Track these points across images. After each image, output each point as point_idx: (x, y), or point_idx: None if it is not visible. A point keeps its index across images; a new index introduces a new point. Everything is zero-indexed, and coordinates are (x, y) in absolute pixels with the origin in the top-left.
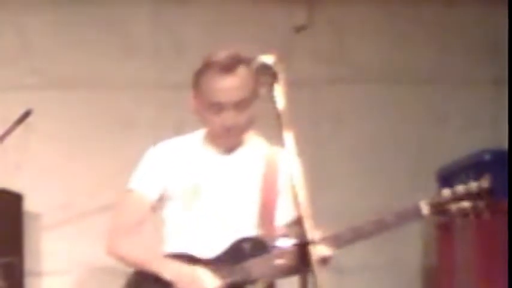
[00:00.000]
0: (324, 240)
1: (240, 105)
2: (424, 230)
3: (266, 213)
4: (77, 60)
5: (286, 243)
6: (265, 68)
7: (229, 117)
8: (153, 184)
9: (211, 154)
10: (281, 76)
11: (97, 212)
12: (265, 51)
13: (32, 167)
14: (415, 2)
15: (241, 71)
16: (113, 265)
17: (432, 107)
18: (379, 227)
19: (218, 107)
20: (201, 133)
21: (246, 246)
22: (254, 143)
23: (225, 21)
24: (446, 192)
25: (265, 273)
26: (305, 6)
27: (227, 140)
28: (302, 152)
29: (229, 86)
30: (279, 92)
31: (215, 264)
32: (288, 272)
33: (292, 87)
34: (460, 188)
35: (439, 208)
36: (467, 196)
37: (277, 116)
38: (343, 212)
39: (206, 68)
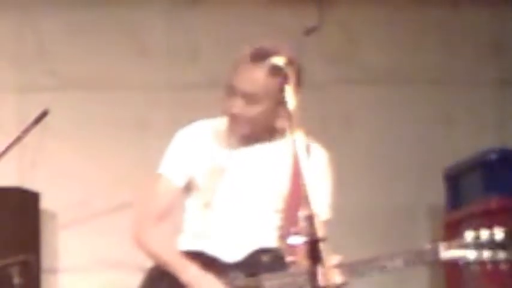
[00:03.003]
0: (339, 267)
1: (250, 97)
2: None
3: (288, 222)
4: (93, 62)
5: (299, 240)
6: (276, 69)
7: (236, 105)
8: (180, 170)
9: (234, 144)
10: (292, 77)
11: (112, 210)
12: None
13: (49, 166)
14: (423, 4)
15: (264, 66)
16: (129, 261)
17: (440, 108)
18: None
19: (231, 91)
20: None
21: (264, 258)
22: (288, 140)
23: (237, 24)
24: (468, 235)
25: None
26: (315, 8)
27: (232, 127)
28: None
29: (247, 75)
30: (290, 93)
31: (231, 271)
32: None
33: (303, 88)
34: (484, 235)
35: (457, 253)
36: (490, 244)
37: (288, 116)
38: (352, 211)
39: (246, 52)
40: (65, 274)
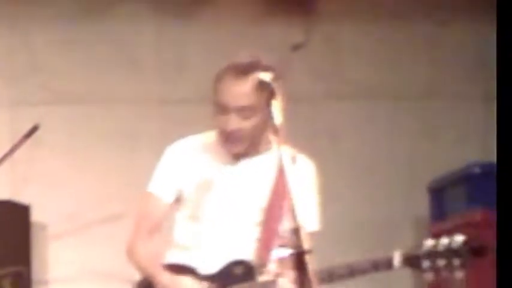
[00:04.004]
0: (317, 273)
1: (245, 111)
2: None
3: (266, 234)
4: (84, 76)
5: (284, 253)
6: (263, 85)
7: (231, 122)
8: (169, 186)
9: (222, 159)
10: (279, 92)
11: (102, 222)
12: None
13: (39, 179)
14: (408, 21)
15: (253, 77)
16: (118, 273)
17: (425, 123)
18: (352, 272)
19: (222, 109)
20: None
21: (236, 270)
22: (274, 153)
23: (225, 40)
24: (428, 243)
25: None
26: (302, 25)
27: (228, 146)
28: None
29: (238, 89)
30: (277, 108)
31: (205, 282)
32: None
33: (290, 103)
34: (442, 242)
35: (412, 261)
36: (445, 252)
37: (275, 131)
38: (338, 223)
39: (226, 68)
40: (56, 285)
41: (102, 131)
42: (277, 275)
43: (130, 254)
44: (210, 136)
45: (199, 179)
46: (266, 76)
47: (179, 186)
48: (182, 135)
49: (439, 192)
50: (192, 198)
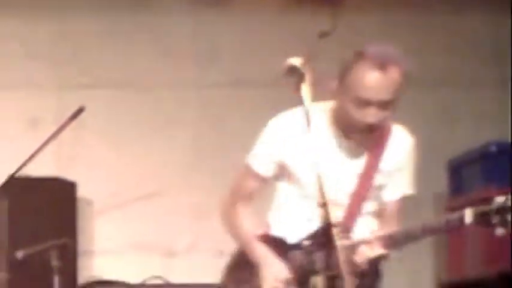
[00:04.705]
0: (378, 239)
1: (386, 104)
2: None
3: (353, 204)
4: (124, 63)
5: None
6: (293, 70)
7: (372, 114)
8: (267, 161)
9: (333, 137)
10: (308, 77)
11: (141, 199)
12: (294, 55)
13: (84, 158)
14: (428, 11)
15: (393, 70)
16: (155, 245)
17: (444, 106)
18: (427, 231)
19: (364, 103)
20: (325, 109)
21: (324, 234)
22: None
23: (257, 29)
24: (498, 200)
25: (331, 266)
26: (328, 14)
27: (362, 135)
28: None
29: (380, 84)
30: (306, 91)
31: (296, 249)
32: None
33: (318, 88)
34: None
35: (483, 217)
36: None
37: (304, 112)
38: None
39: (359, 59)
40: (99, 256)
41: (140, 114)
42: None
43: (226, 214)
44: (318, 111)
45: (303, 161)
46: (296, 61)
47: (280, 161)
48: (215, 118)
49: (457, 170)
50: (304, 177)
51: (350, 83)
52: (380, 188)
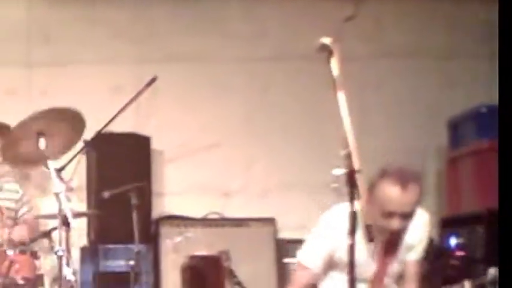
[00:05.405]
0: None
1: (409, 214)
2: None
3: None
4: (191, 42)
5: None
6: (324, 47)
7: (396, 223)
8: (317, 257)
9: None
10: (336, 53)
11: (203, 150)
12: (324, 35)
13: (157, 118)
14: (433, 1)
15: (413, 188)
16: (215, 187)
17: (446, 75)
18: None
19: (390, 214)
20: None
21: None
22: None
23: (295, 14)
24: (492, 272)
25: None
26: (352, 3)
27: (382, 238)
28: (351, 109)
29: (403, 200)
30: (334, 64)
31: None
32: None
33: (344, 62)
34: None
35: None
36: None
37: (333, 81)
38: (379, 152)
39: (383, 176)
40: (170, 196)
41: (202, 83)
42: None
43: None
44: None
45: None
46: (326, 40)
47: (329, 252)
48: (262, 87)
49: (455, 127)
50: (341, 262)
51: (378, 198)
52: (401, 261)
